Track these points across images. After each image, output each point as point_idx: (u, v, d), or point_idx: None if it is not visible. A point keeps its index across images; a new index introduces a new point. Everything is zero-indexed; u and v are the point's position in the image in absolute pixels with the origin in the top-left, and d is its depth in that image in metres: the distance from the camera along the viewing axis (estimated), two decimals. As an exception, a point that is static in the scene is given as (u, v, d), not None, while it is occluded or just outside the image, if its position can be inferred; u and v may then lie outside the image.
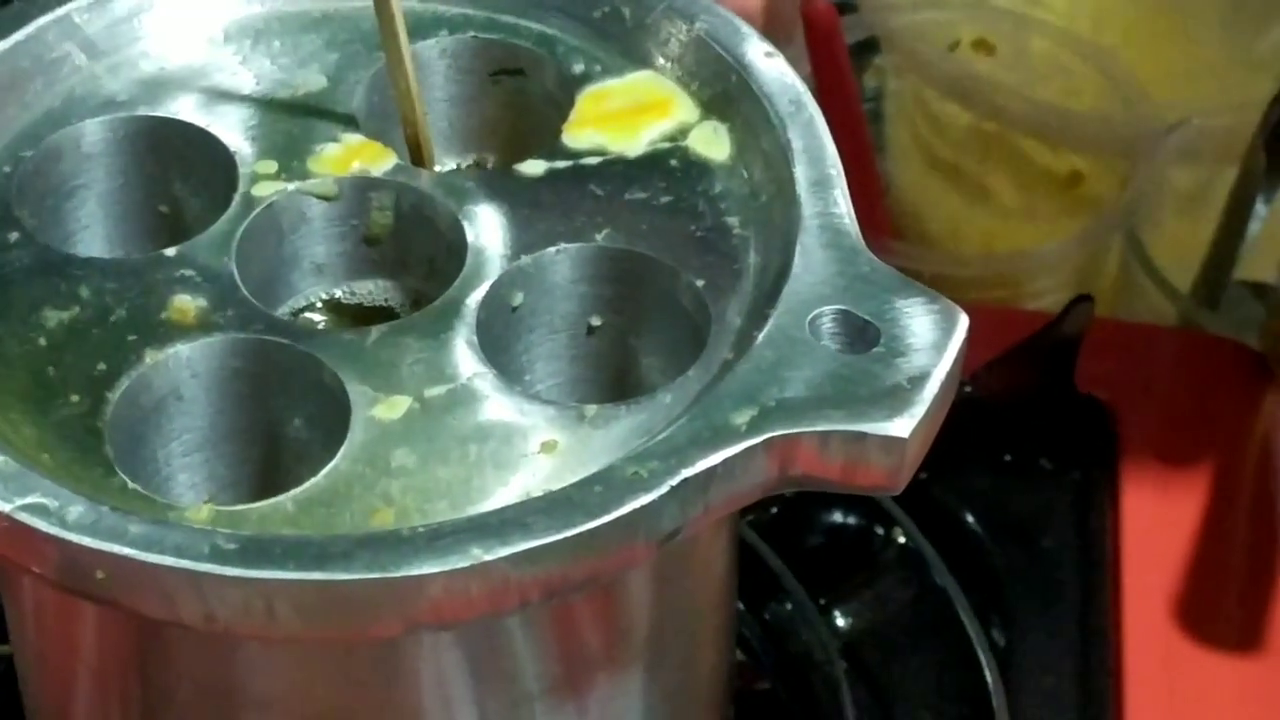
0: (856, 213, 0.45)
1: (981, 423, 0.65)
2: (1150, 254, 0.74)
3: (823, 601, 0.62)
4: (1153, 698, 0.60)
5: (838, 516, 0.64)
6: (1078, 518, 0.65)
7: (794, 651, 0.61)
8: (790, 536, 0.63)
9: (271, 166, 0.47)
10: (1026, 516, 0.65)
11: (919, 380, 0.42)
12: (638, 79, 0.49)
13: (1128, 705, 0.60)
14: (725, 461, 0.40)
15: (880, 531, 0.64)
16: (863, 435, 0.41)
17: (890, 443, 0.41)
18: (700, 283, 0.45)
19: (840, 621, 0.62)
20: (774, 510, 0.63)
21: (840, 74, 0.73)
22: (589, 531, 0.39)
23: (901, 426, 0.41)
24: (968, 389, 0.64)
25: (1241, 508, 0.65)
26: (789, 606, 0.61)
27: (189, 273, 0.45)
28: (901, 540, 0.63)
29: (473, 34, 0.50)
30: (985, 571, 0.63)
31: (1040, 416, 0.67)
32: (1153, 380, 0.69)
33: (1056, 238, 0.78)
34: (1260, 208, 0.72)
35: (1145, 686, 0.60)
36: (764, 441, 0.41)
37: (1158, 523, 0.64)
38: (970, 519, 0.65)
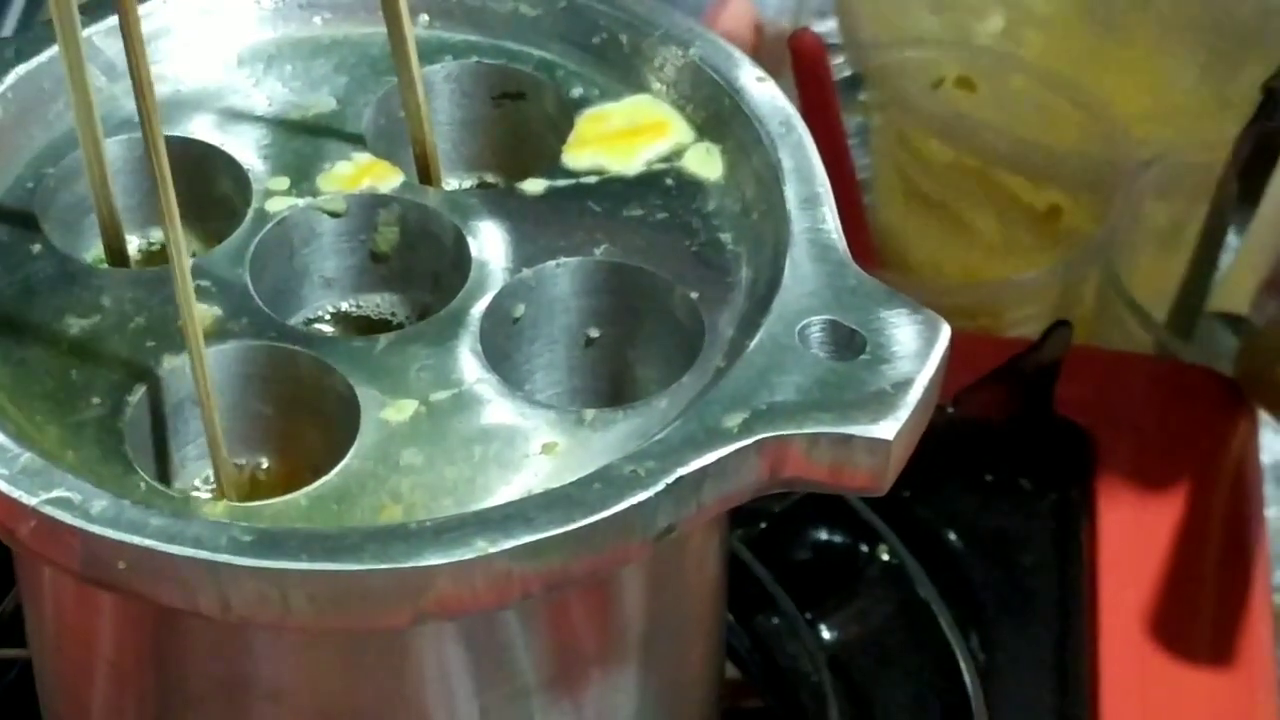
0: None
1: (963, 444, 0.67)
2: (1126, 285, 0.76)
3: (810, 615, 0.63)
4: (1128, 709, 0.62)
5: (824, 533, 0.66)
6: (1056, 536, 0.67)
7: (781, 663, 0.63)
8: (779, 552, 0.64)
9: (283, 183, 0.49)
10: (1006, 535, 0.67)
11: (903, 386, 0.43)
12: (635, 102, 0.51)
13: (1104, 716, 0.61)
14: (718, 461, 0.42)
15: (865, 548, 0.65)
16: (849, 437, 0.43)
17: (875, 444, 0.43)
18: (694, 295, 0.47)
19: (826, 634, 0.63)
20: (763, 526, 0.64)
21: (826, 105, 0.75)
22: (588, 526, 0.41)
23: (886, 429, 0.43)
24: (950, 411, 0.66)
25: (1213, 526, 0.67)
26: (777, 619, 0.63)
27: (205, 283, 0.47)
28: (886, 557, 0.65)
29: (476, 59, 0.52)
30: (966, 587, 0.65)
31: (1020, 439, 0.68)
32: (1129, 405, 0.70)
33: (1036, 271, 0.80)
34: (1232, 239, 0.74)
35: (1120, 698, 0.62)
36: (755, 443, 0.42)
37: (1133, 541, 0.66)
38: (952, 537, 0.66)
